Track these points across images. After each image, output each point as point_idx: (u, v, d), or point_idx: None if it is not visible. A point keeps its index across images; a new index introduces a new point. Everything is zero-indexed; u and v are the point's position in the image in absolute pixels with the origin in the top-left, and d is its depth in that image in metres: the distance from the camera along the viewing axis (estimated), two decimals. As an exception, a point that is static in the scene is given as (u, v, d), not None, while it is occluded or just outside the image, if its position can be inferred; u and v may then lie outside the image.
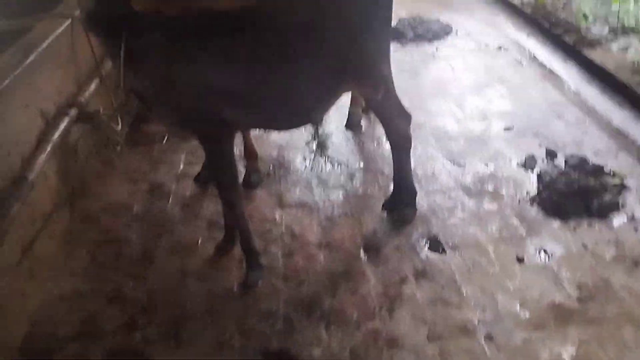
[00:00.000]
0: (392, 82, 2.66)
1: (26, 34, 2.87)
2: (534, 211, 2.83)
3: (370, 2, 2.41)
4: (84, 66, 3.08)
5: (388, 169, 3.06)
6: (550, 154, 3.23)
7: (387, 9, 2.51)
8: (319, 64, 2.34)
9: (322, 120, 3.43)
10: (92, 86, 3.01)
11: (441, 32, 5.22)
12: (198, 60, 2.26)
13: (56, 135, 2.60)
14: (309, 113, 2.55)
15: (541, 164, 3.16)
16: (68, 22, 2.92)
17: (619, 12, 5.24)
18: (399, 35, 5.16)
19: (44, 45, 2.79)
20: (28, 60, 2.61)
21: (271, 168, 3.35)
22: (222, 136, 2.46)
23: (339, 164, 3.39)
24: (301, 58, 2.32)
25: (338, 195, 3.11)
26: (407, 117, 2.76)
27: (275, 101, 2.41)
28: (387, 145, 2.99)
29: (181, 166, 3.41)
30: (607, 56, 4.06)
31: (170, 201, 3.08)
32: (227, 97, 2.31)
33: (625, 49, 4.38)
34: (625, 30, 4.95)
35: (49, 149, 2.53)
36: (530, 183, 3.03)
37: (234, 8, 2.41)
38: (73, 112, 2.79)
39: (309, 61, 2.33)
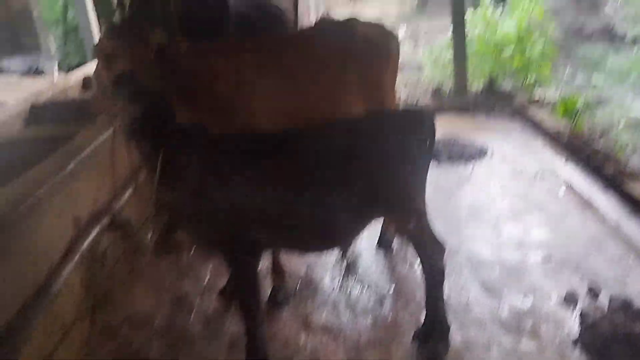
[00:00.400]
0: (426, 215, 2.62)
1: (69, 141, 2.96)
2: (575, 356, 2.64)
3: (411, 139, 2.42)
4: (120, 174, 3.12)
5: (420, 294, 2.94)
6: (592, 292, 3.07)
7: (428, 146, 2.51)
8: (352, 192, 2.33)
9: (350, 245, 3.37)
10: (127, 194, 3.04)
11: (476, 154, 5.24)
12: (233, 181, 2.27)
13: (86, 244, 2.60)
14: (337, 239, 2.52)
15: (582, 303, 3.00)
16: (110, 131, 3.00)
17: (657, 145, 5.22)
18: (434, 155, 5.18)
19: (84, 154, 2.87)
20: (68, 169, 2.66)
21: (298, 286, 3.26)
22: (248, 256, 2.42)
23: (369, 286, 3.29)
24: (334, 185, 2.31)
25: (366, 321, 2.98)
26: (440, 248, 2.68)
27: (305, 225, 2.38)
28: (419, 269, 2.89)
29: (207, 277, 3.35)
30: (649, 190, 3.97)
31: (192, 315, 2.99)
32: (257, 219, 2.30)
33: (666, 184, 4.30)
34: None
35: (76, 258, 2.51)
36: (572, 323, 2.86)
37: (276, 129, 2.46)
38: (105, 220, 2.80)
39: (342, 188, 2.32)
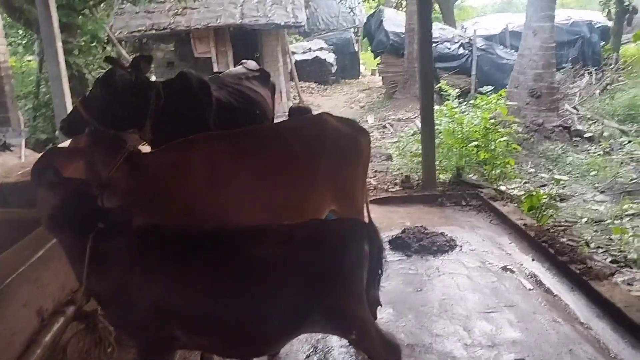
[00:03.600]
0: (371, 321, 2.55)
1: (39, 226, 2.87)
2: None
3: (345, 249, 2.41)
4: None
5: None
6: (566, 397, 3.03)
7: (364, 255, 2.48)
8: (283, 298, 2.28)
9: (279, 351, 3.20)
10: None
11: (446, 246, 5.27)
12: (153, 274, 2.24)
13: (48, 336, 2.47)
14: (266, 344, 2.43)
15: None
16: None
17: (620, 242, 5.38)
18: (404, 246, 5.23)
19: (54, 240, 2.77)
20: (36, 256, 2.57)
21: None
22: (162, 352, 2.33)
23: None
24: (265, 288, 2.28)
25: None
26: (395, 351, 2.55)
27: (230, 328, 2.31)
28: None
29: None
30: (615, 291, 4.02)
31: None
32: (179, 315, 2.24)
33: (630, 284, 4.39)
34: (627, 262, 5.02)
35: (38, 351, 2.38)
36: None
37: (214, 228, 2.46)
38: (70, 310, 2.68)
39: (274, 293, 2.28)
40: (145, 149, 4.48)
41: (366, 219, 3.45)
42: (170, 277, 2.27)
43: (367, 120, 13.04)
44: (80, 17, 10.38)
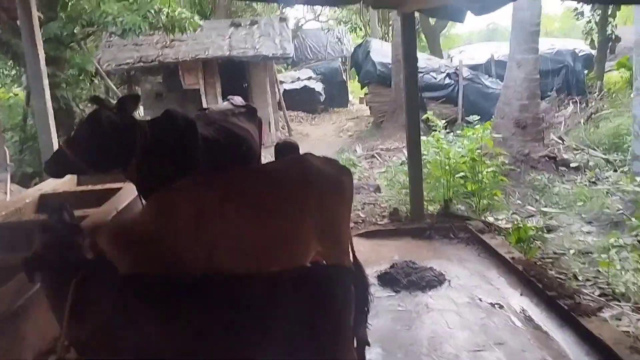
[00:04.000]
0: None
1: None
2: None
3: (326, 297, 2.40)
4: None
5: None
6: None
7: (344, 298, 2.47)
8: (267, 346, 2.28)
9: None
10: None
11: (435, 281, 5.25)
12: (143, 322, 2.22)
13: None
14: None
15: None
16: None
17: (608, 275, 5.39)
18: (392, 282, 5.20)
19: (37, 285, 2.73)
20: (17, 304, 2.53)
21: None
22: None
23: None
24: (250, 336, 2.27)
25: None
26: None
27: None
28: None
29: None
30: (604, 327, 4.01)
31: None
32: None
33: (619, 319, 4.38)
34: (615, 296, 5.02)
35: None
36: None
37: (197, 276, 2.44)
38: (51, 360, 2.63)
39: (259, 340, 2.28)
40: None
41: (351, 257, 3.46)
42: (154, 325, 2.24)
43: (355, 150, 13.09)
44: (68, 50, 10.44)
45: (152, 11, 10.00)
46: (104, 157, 3.86)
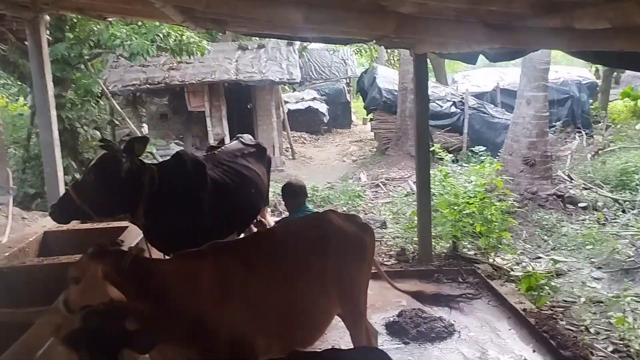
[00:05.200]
0: None
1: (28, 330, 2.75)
2: None
3: None
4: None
5: None
6: None
7: None
8: None
9: None
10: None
11: (444, 332, 5.12)
12: None
13: None
14: None
15: None
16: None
17: (623, 329, 5.27)
18: (401, 332, 5.08)
19: (44, 348, 2.65)
20: None
21: None
22: None
23: None
24: None
25: None
26: None
27: None
28: None
29: None
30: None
31: None
32: None
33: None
34: (630, 354, 4.90)
35: None
36: None
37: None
38: None
39: None
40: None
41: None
42: None
43: (360, 178, 12.99)
44: (74, 71, 10.37)
45: (161, 35, 9.97)
46: (112, 203, 3.83)
